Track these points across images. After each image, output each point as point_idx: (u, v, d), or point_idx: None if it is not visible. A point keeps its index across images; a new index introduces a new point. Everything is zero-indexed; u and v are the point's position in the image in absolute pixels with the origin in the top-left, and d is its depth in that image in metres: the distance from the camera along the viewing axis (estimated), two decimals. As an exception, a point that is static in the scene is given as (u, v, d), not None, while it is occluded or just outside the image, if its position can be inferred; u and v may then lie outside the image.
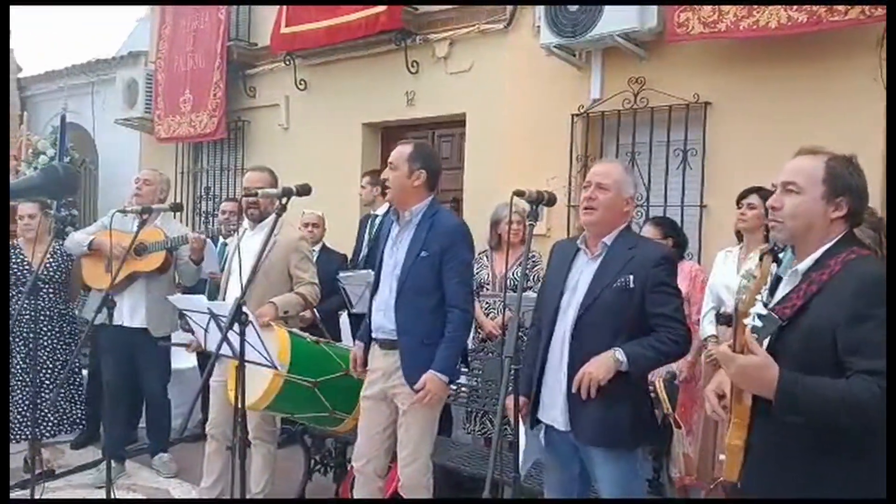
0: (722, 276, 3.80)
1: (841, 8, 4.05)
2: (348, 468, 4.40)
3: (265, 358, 2.89)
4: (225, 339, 2.73)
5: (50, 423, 4.70)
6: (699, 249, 4.79)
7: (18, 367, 4.55)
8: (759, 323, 1.93)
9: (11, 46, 9.97)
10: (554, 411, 2.66)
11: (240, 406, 2.81)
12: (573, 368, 2.55)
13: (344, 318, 5.41)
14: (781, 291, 1.97)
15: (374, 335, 3.27)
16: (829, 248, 1.90)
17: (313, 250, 4.47)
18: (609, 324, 2.55)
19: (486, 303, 4.36)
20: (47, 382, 4.63)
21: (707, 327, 3.83)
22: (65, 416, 4.78)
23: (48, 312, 4.67)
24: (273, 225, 2.92)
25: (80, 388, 4.92)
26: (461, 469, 3.81)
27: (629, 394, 2.57)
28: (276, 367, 2.95)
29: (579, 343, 2.58)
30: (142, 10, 9.41)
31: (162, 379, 4.85)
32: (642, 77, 5.03)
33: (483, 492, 3.65)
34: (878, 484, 1.78)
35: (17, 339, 4.59)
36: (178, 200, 7.81)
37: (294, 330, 3.71)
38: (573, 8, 4.93)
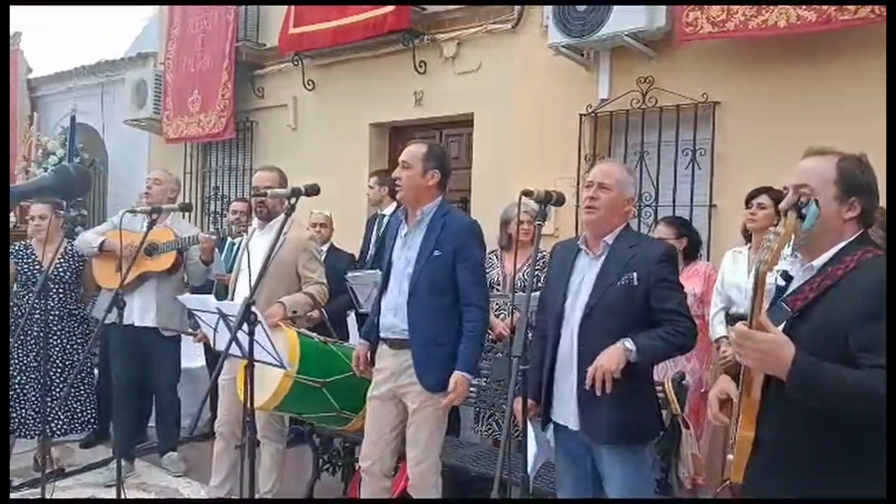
0: (733, 276, 3.78)
1: (851, 7, 4.03)
2: (356, 468, 4.41)
3: (274, 358, 2.90)
4: (234, 339, 2.74)
5: (60, 422, 4.72)
6: (708, 249, 4.77)
7: (31, 365, 4.56)
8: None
9: (21, 48, 10.06)
10: (565, 411, 2.67)
11: (248, 405, 2.81)
12: (583, 367, 2.56)
13: (352, 318, 5.42)
14: (794, 285, 1.97)
15: (383, 335, 3.27)
16: (844, 246, 1.89)
17: (321, 250, 4.48)
18: (615, 321, 2.58)
19: (497, 303, 4.34)
20: (58, 381, 4.64)
21: (718, 328, 3.80)
22: (75, 416, 4.79)
23: (58, 312, 4.69)
24: (282, 225, 2.92)
25: (92, 388, 4.93)
26: (469, 469, 3.81)
27: (638, 391, 2.61)
28: (284, 367, 2.96)
29: (587, 342, 2.60)
30: (148, 10, 9.46)
31: (172, 378, 4.88)
32: (651, 76, 5.02)
33: (491, 492, 3.68)
34: (883, 481, 1.77)
35: (29, 338, 4.61)
36: (187, 200, 7.87)
37: (302, 330, 3.72)
38: (581, 8, 4.92)
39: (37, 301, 4.27)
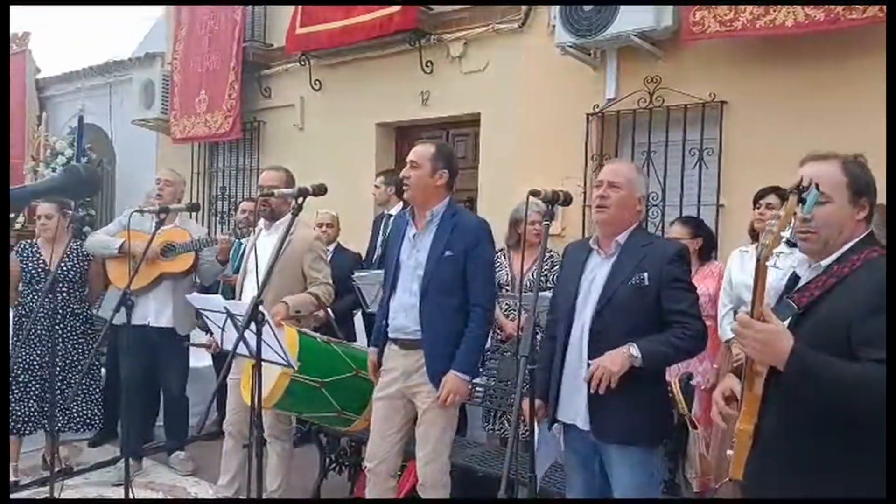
0: (742, 276, 3.76)
1: (859, 6, 4.01)
2: (363, 467, 4.42)
3: (281, 357, 2.91)
4: (242, 338, 2.75)
5: (60, 421, 4.67)
6: (715, 249, 4.75)
7: (34, 363, 4.56)
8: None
9: (30, 48, 10.10)
10: (574, 410, 2.67)
11: (256, 405, 2.82)
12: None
13: (358, 318, 5.43)
14: (801, 283, 2.00)
15: (392, 335, 3.26)
16: (851, 245, 1.93)
17: (328, 250, 4.48)
18: (625, 321, 2.56)
19: (506, 304, 4.33)
20: (59, 380, 4.64)
21: (728, 328, 3.79)
22: (74, 415, 4.75)
23: (62, 311, 4.69)
24: (289, 224, 2.93)
25: (94, 388, 4.90)
26: (476, 468, 3.82)
27: (648, 392, 2.59)
28: (292, 366, 2.96)
29: (597, 342, 2.59)
30: (156, 10, 9.49)
31: (182, 378, 4.91)
32: (658, 76, 5.01)
33: (496, 491, 3.68)
34: (881, 479, 1.78)
35: (32, 337, 4.61)
36: (194, 200, 7.89)
37: (304, 329, 3.71)
38: (588, 7, 4.91)
39: (45, 300, 4.29)
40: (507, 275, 4.44)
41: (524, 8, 5.69)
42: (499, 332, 4.48)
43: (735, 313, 3.73)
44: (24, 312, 4.63)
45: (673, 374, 3.17)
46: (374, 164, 6.59)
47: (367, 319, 5.20)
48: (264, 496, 3.19)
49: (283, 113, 7.43)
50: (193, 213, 4.78)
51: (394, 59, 6.44)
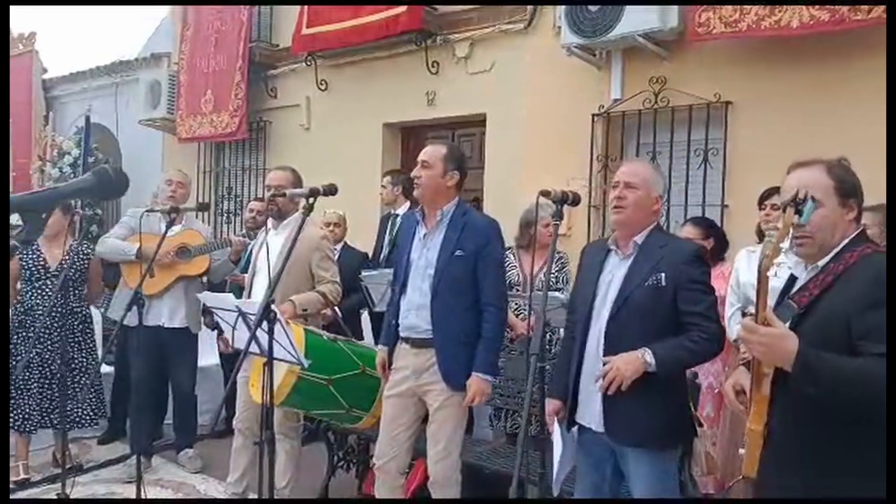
0: (749, 276, 3.77)
1: (864, 7, 4.03)
2: (371, 465, 4.45)
3: (292, 355, 2.94)
4: (254, 337, 2.78)
5: (56, 418, 4.62)
6: (727, 249, 4.77)
7: (34, 361, 4.54)
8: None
9: (37, 48, 10.14)
10: (589, 412, 2.66)
11: (268, 403, 2.85)
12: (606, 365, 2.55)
13: (364, 316, 5.46)
14: (799, 284, 2.07)
15: (403, 334, 3.29)
16: (845, 244, 2.00)
17: (335, 249, 4.52)
18: (642, 323, 2.55)
19: (516, 303, 4.35)
20: (57, 379, 4.59)
21: (735, 328, 3.81)
22: (72, 412, 4.69)
23: (61, 309, 4.65)
24: (301, 224, 2.97)
25: (92, 386, 4.83)
26: (483, 466, 3.85)
27: (665, 394, 2.57)
28: (303, 364, 2.99)
29: (613, 343, 2.58)
30: (161, 10, 9.53)
31: (191, 376, 4.96)
32: (663, 77, 5.04)
33: (504, 489, 3.70)
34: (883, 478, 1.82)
35: (33, 336, 4.58)
36: (200, 200, 7.93)
37: (310, 328, 3.75)
38: (594, 8, 4.94)
39: (56, 298, 4.31)
40: (518, 275, 4.46)
41: (530, 9, 5.72)
42: (509, 331, 4.51)
43: (743, 312, 3.77)
44: (23, 310, 4.61)
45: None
46: (380, 164, 6.62)
47: (374, 318, 5.24)
48: (259, 491, 3.21)
49: (289, 113, 7.46)
50: (198, 213, 4.81)
51: (400, 59, 6.47)
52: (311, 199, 2.90)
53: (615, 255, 2.72)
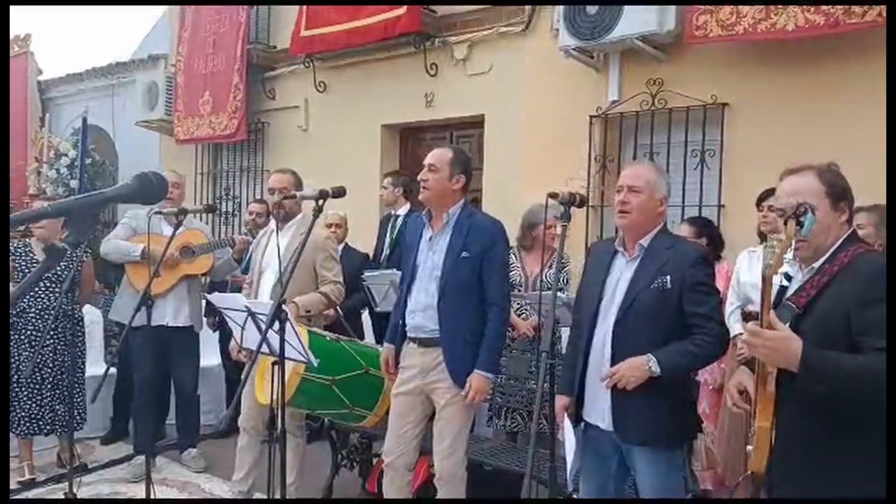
0: (749, 275, 3.85)
1: (858, 10, 4.11)
2: (374, 462, 4.51)
3: (302, 354, 2.99)
4: (265, 338, 2.83)
5: (44, 422, 4.62)
6: (722, 249, 4.84)
7: (23, 366, 4.50)
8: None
9: (32, 50, 10.14)
10: (596, 409, 2.71)
11: (279, 401, 2.90)
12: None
13: (365, 316, 5.51)
14: (795, 285, 2.15)
15: (411, 334, 3.34)
16: (838, 245, 2.09)
17: (337, 249, 4.56)
18: (648, 324, 2.60)
19: (518, 303, 4.41)
20: (48, 382, 4.60)
21: (735, 326, 3.88)
22: (58, 416, 4.68)
23: (53, 312, 4.60)
24: (311, 225, 3.02)
25: (79, 389, 4.77)
26: (484, 462, 3.91)
27: (671, 394, 2.62)
28: (312, 363, 3.04)
29: (620, 344, 2.63)
30: (157, 10, 9.55)
31: (194, 376, 4.99)
32: (660, 78, 5.10)
33: (504, 485, 3.76)
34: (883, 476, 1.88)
35: (23, 338, 4.57)
36: (197, 201, 7.97)
37: (314, 329, 3.79)
38: (592, 11, 5.00)
39: (62, 300, 4.33)
40: (520, 275, 4.52)
41: (528, 11, 5.78)
42: (511, 330, 4.57)
43: (742, 311, 3.85)
44: (15, 312, 4.56)
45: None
46: (379, 166, 6.67)
47: (375, 317, 5.30)
48: (271, 491, 3.25)
49: (287, 114, 7.49)
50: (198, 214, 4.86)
51: (398, 61, 6.52)
52: (320, 202, 2.95)
53: (622, 256, 2.76)
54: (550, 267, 4.34)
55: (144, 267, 4.66)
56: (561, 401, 2.80)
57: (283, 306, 2.83)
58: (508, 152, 5.89)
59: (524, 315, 4.43)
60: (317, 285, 3.99)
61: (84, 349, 4.97)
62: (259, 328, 3.05)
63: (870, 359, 1.86)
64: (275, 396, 3.00)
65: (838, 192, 2.11)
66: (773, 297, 2.16)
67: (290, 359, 2.99)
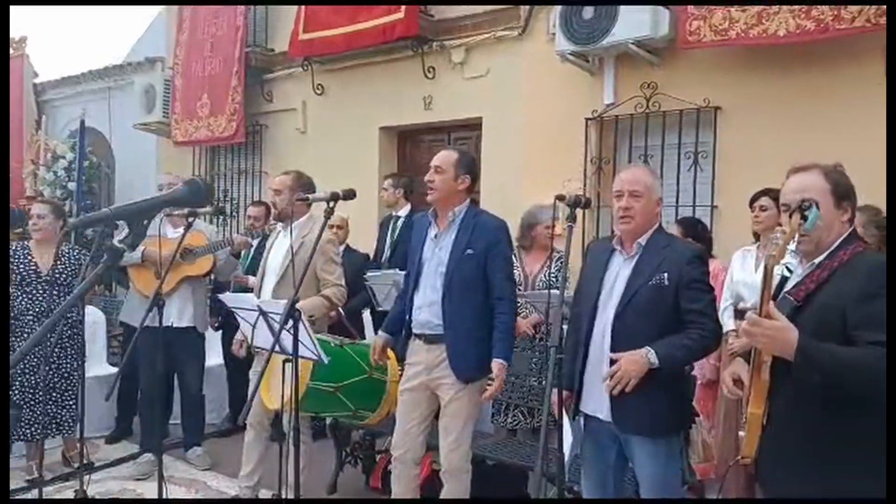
0: (742, 274, 3.97)
1: (847, 16, 4.24)
2: (377, 459, 4.60)
3: (313, 352, 3.07)
4: (277, 340, 2.92)
5: (39, 426, 4.58)
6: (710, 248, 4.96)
7: (17, 369, 4.45)
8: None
9: (27, 52, 10.15)
10: (595, 401, 2.81)
11: (292, 399, 2.99)
12: (614, 363, 2.70)
13: (366, 316, 5.59)
14: (795, 279, 2.24)
15: (416, 331, 3.44)
16: (839, 243, 2.18)
17: (339, 251, 4.64)
18: (646, 320, 2.71)
19: (518, 302, 4.50)
20: (46, 384, 4.58)
21: (727, 322, 4.00)
22: (55, 419, 4.69)
23: (52, 314, 4.58)
24: (322, 227, 3.11)
25: (72, 391, 4.75)
26: (486, 457, 4.00)
27: (669, 385, 2.73)
28: (323, 361, 3.12)
29: (619, 338, 2.73)
30: (152, 11, 9.56)
31: (199, 376, 5.06)
32: (654, 82, 5.22)
33: (506, 480, 3.84)
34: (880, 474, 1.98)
35: (18, 341, 4.53)
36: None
37: (319, 335, 3.85)
38: (587, 16, 5.11)
39: (73, 304, 4.36)
40: (520, 275, 4.62)
41: (524, 16, 5.88)
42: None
43: (735, 308, 3.96)
44: (12, 315, 4.54)
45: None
46: (377, 168, 6.76)
47: (376, 317, 5.37)
48: (285, 489, 3.33)
49: (285, 117, 7.57)
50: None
51: (396, 64, 6.61)
52: (331, 204, 3.04)
53: (619, 254, 2.87)
54: (550, 267, 4.45)
55: (146, 269, 4.75)
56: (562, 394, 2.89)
57: (297, 305, 2.91)
58: (506, 155, 5.99)
59: (524, 314, 4.53)
60: (318, 288, 4.05)
61: (80, 351, 4.96)
62: (270, 327, 3.13)
63: (864, 351, 1.96)
64: (287, 396, 3.08)
65: (842, 192, 2.20)
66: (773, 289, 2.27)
67: (304, 357, 3.07)
